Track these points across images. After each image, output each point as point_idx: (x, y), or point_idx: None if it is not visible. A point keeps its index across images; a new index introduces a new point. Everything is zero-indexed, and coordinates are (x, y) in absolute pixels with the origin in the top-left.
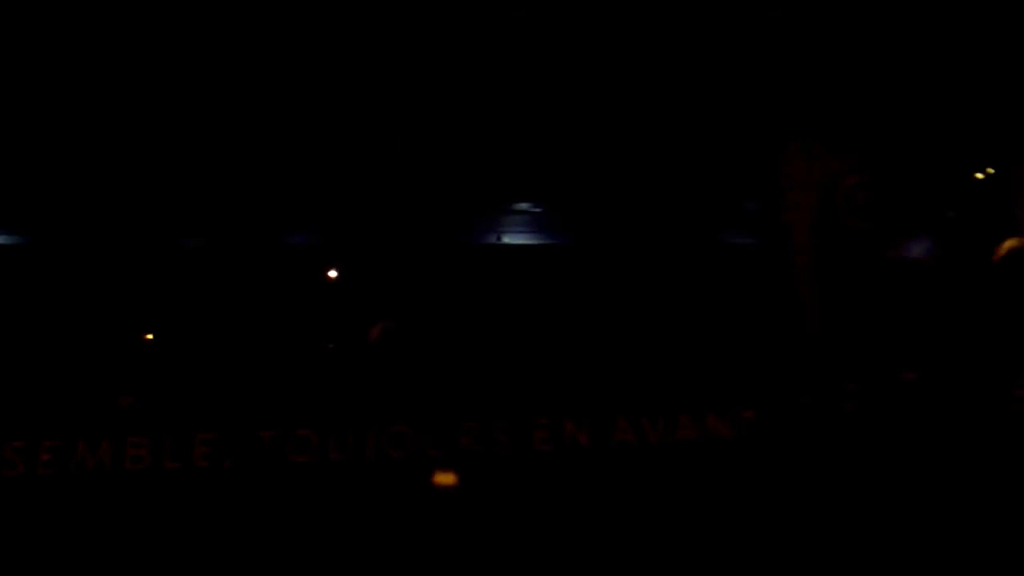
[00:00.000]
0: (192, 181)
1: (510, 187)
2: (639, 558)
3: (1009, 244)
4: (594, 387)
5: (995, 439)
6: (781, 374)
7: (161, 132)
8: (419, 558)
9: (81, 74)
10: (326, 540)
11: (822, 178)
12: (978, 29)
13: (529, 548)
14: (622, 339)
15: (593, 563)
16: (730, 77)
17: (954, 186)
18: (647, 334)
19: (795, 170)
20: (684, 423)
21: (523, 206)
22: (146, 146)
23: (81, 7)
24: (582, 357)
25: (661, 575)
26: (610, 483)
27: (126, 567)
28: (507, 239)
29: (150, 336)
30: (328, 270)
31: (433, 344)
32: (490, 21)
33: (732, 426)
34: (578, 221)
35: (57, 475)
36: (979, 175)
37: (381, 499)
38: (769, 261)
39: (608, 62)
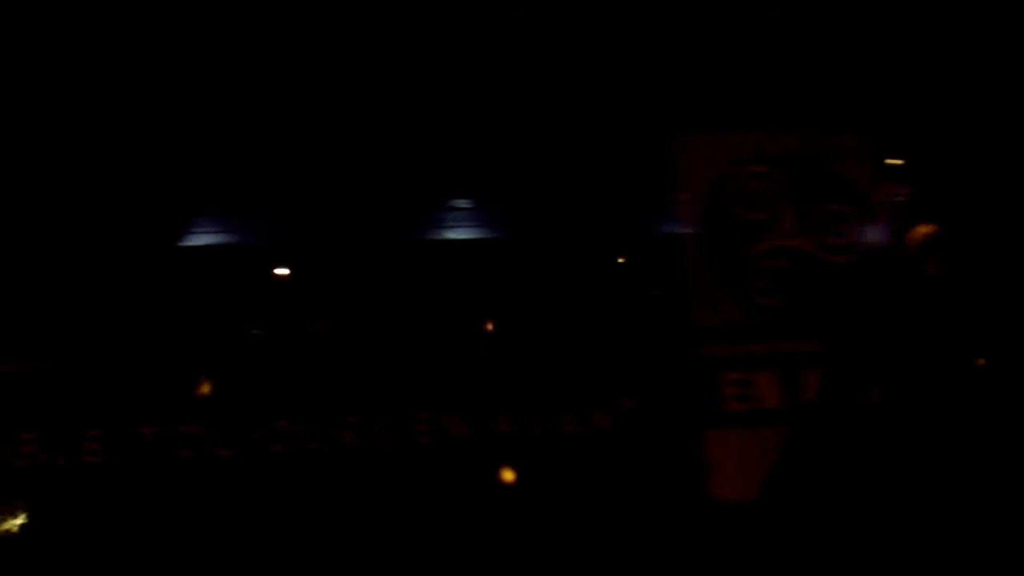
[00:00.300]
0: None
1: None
2: (520, 550)
3: (922, 231)
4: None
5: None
6: (666, 368)
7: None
8: (305, 553)
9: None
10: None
11: (716, 166)
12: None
13: (412, 541)
14: (529, 334)
15: (474, 556)
16: (636, 66)
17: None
18: (552, 329)
19: (688, 158)
20: (568, 416)
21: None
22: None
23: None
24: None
25: (538, 566)
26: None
27: None
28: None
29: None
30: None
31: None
32: (427, 22)
33: (613, 418)
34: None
35: None
36: (891, 162)
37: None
38: (667, 251)
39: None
